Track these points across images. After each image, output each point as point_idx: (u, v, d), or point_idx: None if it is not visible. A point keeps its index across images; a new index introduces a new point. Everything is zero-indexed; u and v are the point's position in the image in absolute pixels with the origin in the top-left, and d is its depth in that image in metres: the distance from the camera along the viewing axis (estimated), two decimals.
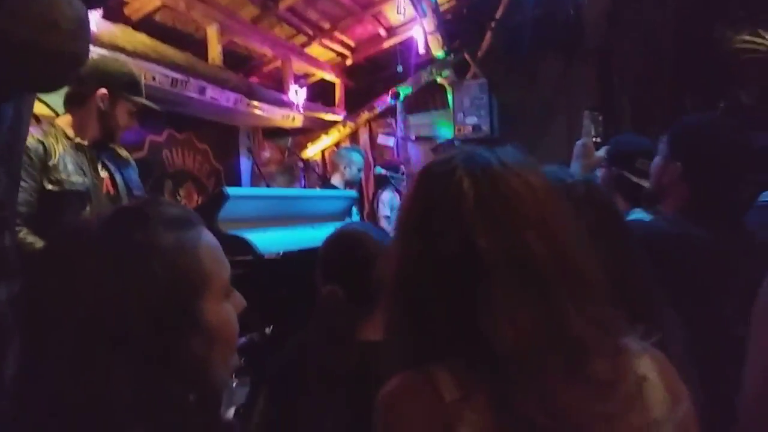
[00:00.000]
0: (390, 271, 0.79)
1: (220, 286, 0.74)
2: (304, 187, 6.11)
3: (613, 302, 0.72)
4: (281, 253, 1.90)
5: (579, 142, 2.23)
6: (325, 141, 7.42)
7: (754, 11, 4.30)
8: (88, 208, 2.04)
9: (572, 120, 5.20)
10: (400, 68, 6.51)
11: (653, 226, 1.62)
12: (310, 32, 6.73)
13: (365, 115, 7.29)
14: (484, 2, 5.99)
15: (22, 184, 1.73)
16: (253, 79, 6.41)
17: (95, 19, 3.37)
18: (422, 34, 6.07)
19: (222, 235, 1.85)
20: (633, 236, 1.08)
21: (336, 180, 4.22)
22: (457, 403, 0.66)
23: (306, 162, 6.56)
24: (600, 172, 2.15)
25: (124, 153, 2.35)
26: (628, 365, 0.71)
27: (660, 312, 0.91)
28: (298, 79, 6.79)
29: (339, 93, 7.74)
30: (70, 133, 2.12)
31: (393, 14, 6.46)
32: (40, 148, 1.97)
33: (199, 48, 5.32)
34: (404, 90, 6.70)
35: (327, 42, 6.98)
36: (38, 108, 2.55)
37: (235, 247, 1.82)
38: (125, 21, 4.57)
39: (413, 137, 7.01)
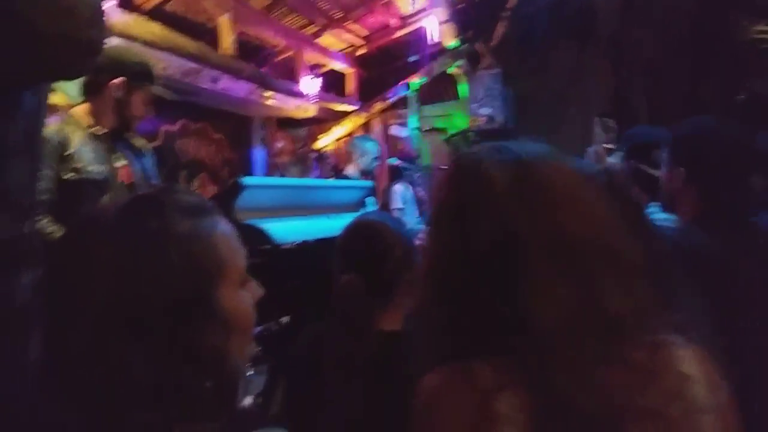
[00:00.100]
0: (423, 266, 0.80)
1: (236, 274, 0.73)
2: (317, 177, 6.12)
3: (652, 286, 0.72)
4: (296, 243, 1.91)
5: (590, 150, 2.22)
6: (338, 132, 7.41)
7: None
8: (106, 197, 2.05)
9: (587, 109, 5.15)
10: (412, 58, 6.47)
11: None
12: (323, 22, 6.71)
13: (378, 106, 7.27)
14: None
15: (42, 173, 1.74)
16: (265, 69, 6.41)
17: (109, 7, 3.38)
18: (435, 24, 6.04)
19: (238, 225, 1.85)
20: (655, 227, 1.07)
21: (351, 170, 4.18)
22: (498, 394, 0.66)
23: (319, 152, 6.57)
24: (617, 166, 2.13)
25: (140, 142, 2.36)
26: (670, 359, 0.70)
27: (686, 301, 0.90)
28: (311, 69, 6.78)
29: (351, 83, 7.72)
30: (87, 122, 2.13)
31: (405, 3, 6.43)
32: (59, 137, 1.99)
33: (211, 38, 5.33)
34: (415, 84, 6.66)
35: (339, 32, 6.96)
36: (55, 97, 2.56)
37: (252, 236, 1.82)
38: (137, 10, 4.58)
39: (427, 128, 6.98)
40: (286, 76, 6.46)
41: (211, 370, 0.67)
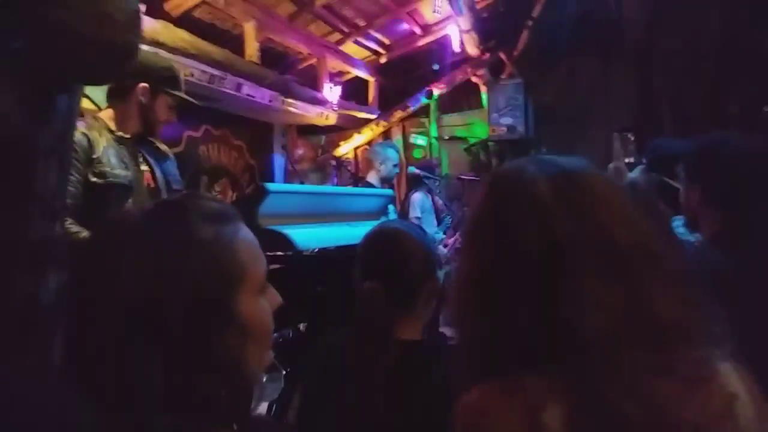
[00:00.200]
0: (461, 277, 0.79)
1: (256, 281, 0.74)
2: (336, 184, 6.13)
3: (693, 295, 0.71)
4: (318, 249, 1.91)
5: (610, 166, 2.20)
6: (358, 139, 7.43)
7: None
8: (130, 201, 2.08)
9: (610, 121, 5.11)
10: (435, 67, 6.47)
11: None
12: (346, 30, 6.75)
13: (398, 114, 7.28)
14: (521, 0, 5.92)
15: (69, 176, 1.77)
16: (288, 77, 6.47)
17: None
18: (457, 33, 6.03)
19: (261, 230, 1.86)
20: (679, 240, 1.05)
21: (372, 177, 4.14)
22: (547, 408, 0.65)
23: (339, 160, 6.59)
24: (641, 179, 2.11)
25: (163, 147, 2.38)
26: (716, 374, 0.69)
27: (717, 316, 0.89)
28: (333, 77, 6.82)
29: (373, 91, 7.74)
30: (113, 126, 2.16)
31: (428, 12, 6.44)
32: (85, 141, 2.01)
33: (237, 45, 5.39)
34: (435, 92, 6.65)
35: (362, 40, 7.00)
36: (82, 102, 2.61)
37: (274, 241, 1.83)
38: (165, 17, 4.65)
39: (446, 137, 6.97)
40: (308, 83, 6.50)
41: (226, 377, 0.68)
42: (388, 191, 3.54)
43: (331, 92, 6.53)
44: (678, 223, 1.83)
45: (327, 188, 4.96)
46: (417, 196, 4.77)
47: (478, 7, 6.01)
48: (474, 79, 6.59)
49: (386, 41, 7.35)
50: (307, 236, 1.95)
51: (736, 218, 1.45)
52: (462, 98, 7.02)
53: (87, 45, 1.04)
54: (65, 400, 0.67)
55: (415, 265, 1.34)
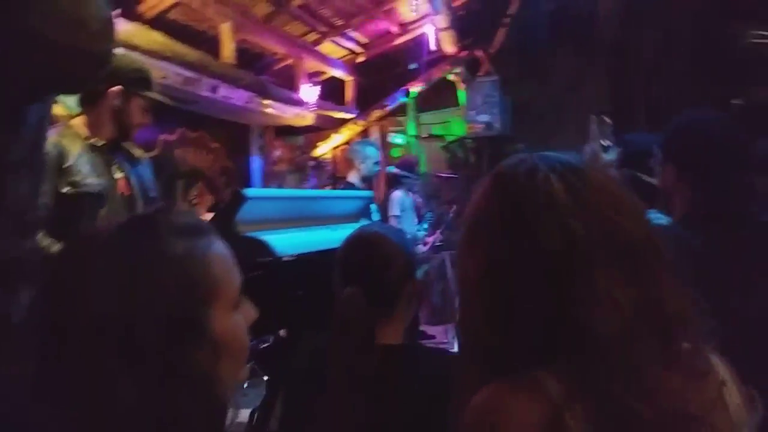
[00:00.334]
0: (466, 279, 0.77)
1: (230, 296, 0.73)
2: (315, 185, 6.11)
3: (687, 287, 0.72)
4: (298, 255, 1.90)
5: (587, 147, 2.20)
6: (336, 139, 7.42)
7: None
8: (104, 210, 2.04)
9: (585, 116, 5.16)
10: (412, 66, 6.48)
11: None
12: (323, 29, 6.73)
13: (376, 113, 7.28)
14: None
15: (43, 187, 1.73)
16: (264, 78, 6.43)
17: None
18: (434, 31, 6.05)
19: (239, 238, 1.84)
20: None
21: (353, 177, 4.12)
22: (568, 406, 0.64)
23: (317, 160, 6.57)
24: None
25: (137, 152, 2.35)
26: (709, 365, 0.70)
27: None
28: (310, 77, 6.79)
29: (350, 91, 7.73)
30: (86, 133, 2.12)
31: (406, 10, 6.44)
32: (56, 150, 1.97)
33: (213, 46, 5.34)
34: (413, 91, 6.66)
35: (339, 39, 6.97)
36: (55, 109, 2.56)
37: (253, 249, 1.81)
38: (140, 18, 4.59)
39: (424, 135, 6.99)
40: (285, 84, 6.47)
41: (200, 394, 0.66)
42: (368, 192, 3.53)
43: (309, 92, 6.50)
44: (652, 217, 1.84)
45: (306, 192, 4.94)
46: (397, 195, 4.79)
47: (455, 4, 6.03)
48: (451, 77, 6.60)
49: (363, 40, 7.33)
50: (287, 242, 1.93)
51: (708, 196, 1.45)
52: (439, 96, 7.03)
53: (60, 54, 1.02)
54: (36, 419, 0.65)
55: (395, 269, 1.33)
